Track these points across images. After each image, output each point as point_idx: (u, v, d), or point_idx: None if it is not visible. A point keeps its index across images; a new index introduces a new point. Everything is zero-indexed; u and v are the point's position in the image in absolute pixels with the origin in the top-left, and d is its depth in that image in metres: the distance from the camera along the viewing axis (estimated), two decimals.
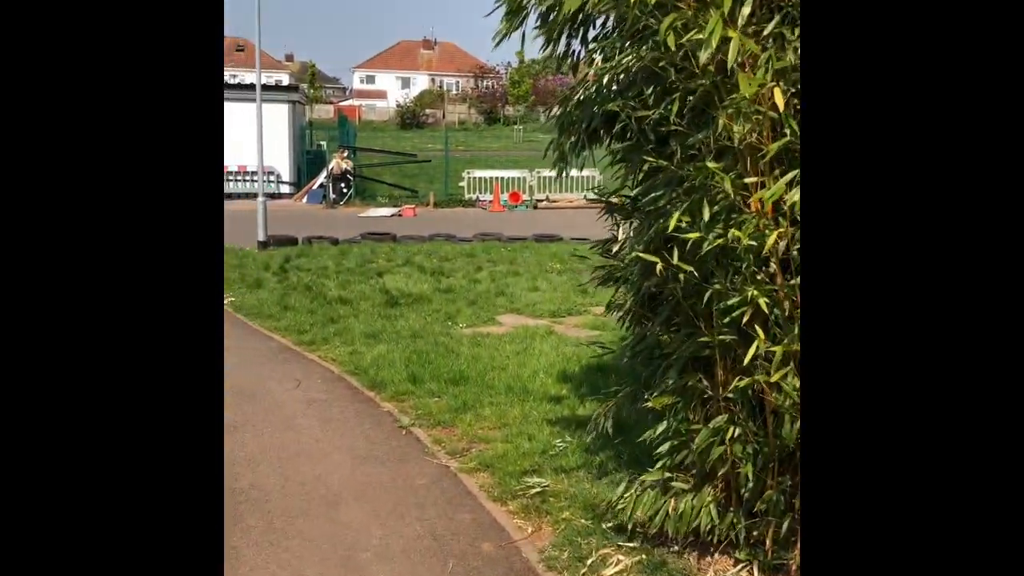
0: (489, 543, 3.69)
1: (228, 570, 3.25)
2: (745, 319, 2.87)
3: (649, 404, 3.45)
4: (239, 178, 19.88)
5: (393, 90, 61.66)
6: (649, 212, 3.10)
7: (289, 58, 70.27)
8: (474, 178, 20.10)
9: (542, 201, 20.16)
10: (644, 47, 2.85)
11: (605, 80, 3.41)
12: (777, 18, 2.76)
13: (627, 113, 2.93)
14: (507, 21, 3.45)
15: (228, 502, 3.99)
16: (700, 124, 2.89)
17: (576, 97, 3.53)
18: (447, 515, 3.94)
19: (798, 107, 2.66)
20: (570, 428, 4.94)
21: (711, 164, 2.80)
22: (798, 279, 2.77)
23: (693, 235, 2.80)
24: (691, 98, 2.85)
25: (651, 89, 2.88)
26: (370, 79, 66.29)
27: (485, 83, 53.29)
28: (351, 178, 19.77)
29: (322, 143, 23.55)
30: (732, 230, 2.77)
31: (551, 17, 3.29)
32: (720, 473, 3.38)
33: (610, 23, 3.64)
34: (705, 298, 3.00)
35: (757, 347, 2.81)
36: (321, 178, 19.89)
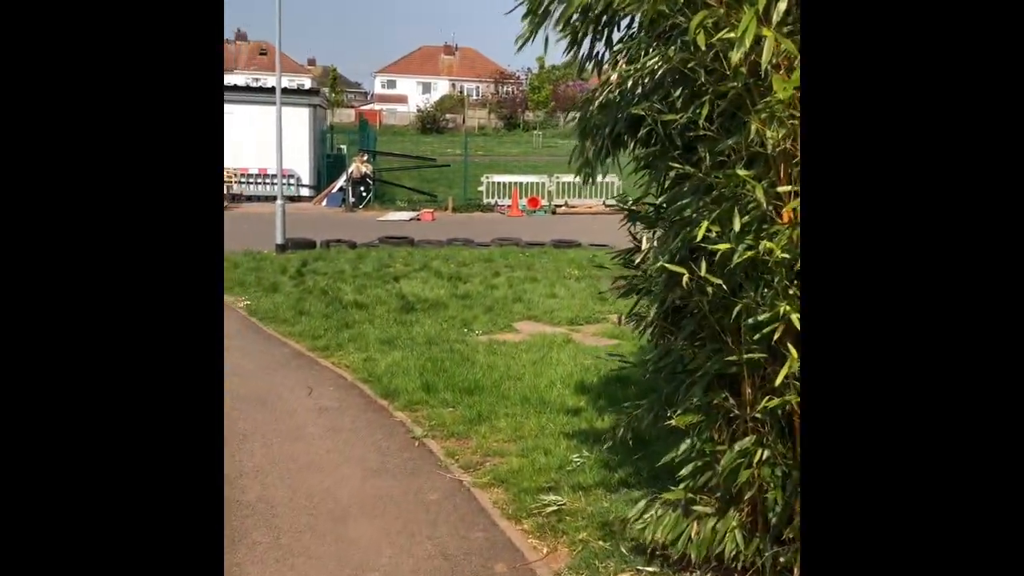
0: (503, 564, 3.54)
1: None
2: (776, 336, 2.70)
3: (672, 423, 3.28)
4: (259, 181, 19.92)
5: (414, 95, 61.86)
6: (675, 221, 2.95)
7: (311, 62, 70.73)
8: (493, 183, 20.00)
9: (561, 206, 20.00)
10: (672, 47, 2.70)
11: (629, 83, 3.27)
12: None
13: (653, 117, 2.77)
14: (530, 24, 3.31)
15: (234, 516, 3.88)
16: (730, 129, 2.73)
17: (598, 100, 3.38)
18: (459, 533, 3.80)
19: None
20: (588, 442, 4.78)
21: (742, 171, 2.65)
22: None
23: (723, 246, 2.64)
24: (721, 101, 2.69)
25: (679, 92, 2.73)
26: (391, 84, 66.56)
27: (505, 88, 53.29)
28: (370, 182, 19.74)
29: (342, 147, 23.56)
30: (764, 242, 2.61)
31: (573, 18, 3.14)
32: (747, 497, 3.22)
33: (635, 24, 3.50)
34: (734, 313, 2.84)
35: (790, 366, 2.64)
36: (341, 181, 19.87)
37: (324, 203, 19.79)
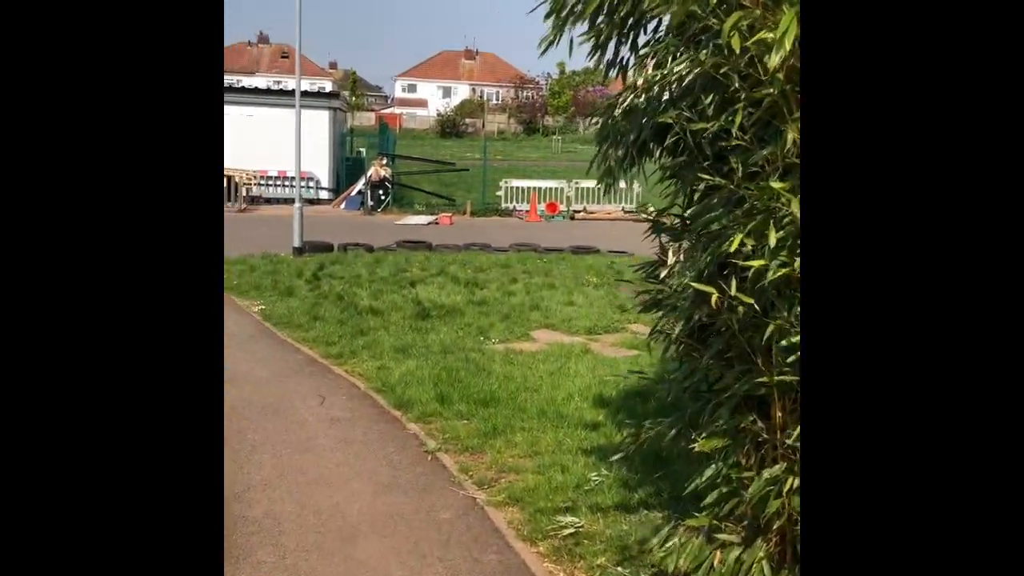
0: None
1: None
2: None
3: (696, 448, 3.12)
4: (278, 183, 19.92)
5: (434, 99, 61.98)
6: (703, 235, 2.78)
7: (333, 66, 71.10)
8: (511, 188, 19.88)
9: (579, 212, 19.85)
10: (703, 51, 2.54)
11: (656, 89, 3.11)
12: None
13: (681, 125, 2.61)
14: (554, 25, 3.17)
15: (240, 532, 3.75)
16: (765, 138, 2.57)
17: (622, 106, 3.23)
18: (472, 555, 3.65)
19: None
20: (606, 459, 4.61)
21: (776, 184, 2.48)
22: None
23: (756, 263, 2.47)
24: (755, 109, 2.53)
25: (710, 99, 2.56)
26: (411, 88, 66.74)
27: (525, 93, 53.21)
28: (389, 185, 19.68)
29: (362, 150, 23.54)
30: (799, 259, 2.44)
31: (599, 20, 3.00)
32: (775, 527, 3.04)
33: (662, 28, 3.35)
34: (766, 333, 2.66)
35: None
36: (360, 185, 19.84)
37: (343, 206, 19.77)
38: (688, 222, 3.30)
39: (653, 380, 5.64)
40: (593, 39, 3.25)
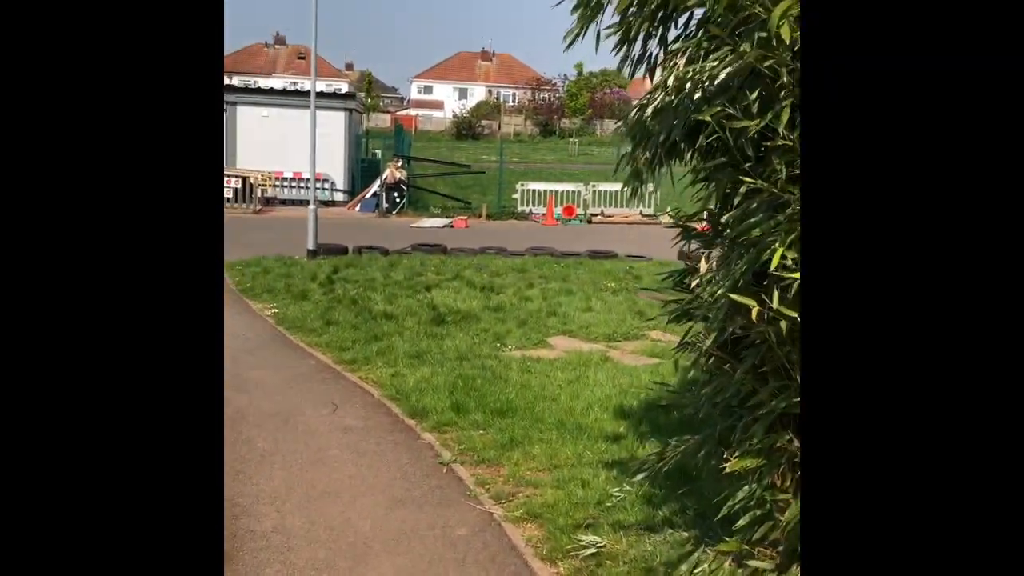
0: None
1: None
2: None
3: (728, 468, 2.93)
4: (294, 184, 19.87)
5: (450, 101, 61.96)
6: (741, 242, 2.60)
7: (349, 67, 71.27)
8: (528, 190, 19.70)
9: (597, 215, 19.64)
10: (745, 44, 2.36)
11: (688, 86, 2.93)
12: None
13: (721, 123, 2.43)
14: (580, 18, 3.00)
15: (248, 548, 3.60)
16: None
17: (652, 105, 3.05)
18: (489, 575, 3.47)
19: None
20: (628, 474, 4.42)
21: None
22: None
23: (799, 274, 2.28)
24: None
25: (754, 95, 2.38)
26: (427, 89, 66.77)
27: (542, 95, 53.04)
28: (404, 187, 19.57)
29: (377, 152, 23.45)
30: None
31: (630, 11, 2.82)
32: None
33: (693, 22, 3.17)
34: None
35: None
36: (375, 187, 19.73)
37: (358, 208, 19.68)
38: (721, 228, 3.12)
39: (676, 391, 5.44)
40: (621, 33, 3.09)
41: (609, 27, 3.13)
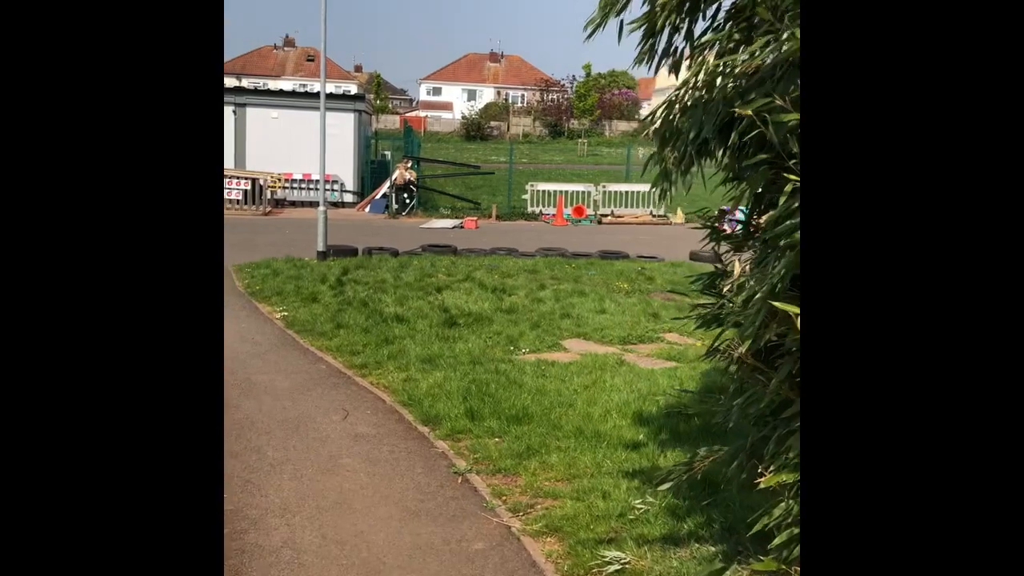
0: None
1: None
2: None
3: (762, 483, 2.77)
4: (303, 185, 19.79)
5: (459, 102, 61.85)
6: (779, 245, 2.44)
7: (358, 69, 71.29)
8: (538, 191, 19.54)
9: (607, 216, 19.48)
10: (786, 32, 2.20)
11: (719, 80, 2.78)
12: None
13: (763, 117, 2.27)
14: (602, 8, 2.85)
15: (256, 564, 3.46)
16: None
17: (682, 101, 2.90)
18: None
19: None
20: (651, 484, 4.27)
21: None
22: None
23: None
24: None
25: (793, 88, 2.22)
26: (436, 91, 66.67)
27: (550, 96, 52.87)
28: (414, 189, 19.45)
29: (386, 153, 23.34)
30: None
31: (658, 1, 2.67)
32: None
33: (721, 14, 3.02)
34: None
35: None
36: (384, 188, 19.62)
37: (367, 209, 19.57)
38: (754, 229, 2.96)
39: (696, 396, 5.28)
40: (647, 26, 2.94)
41: (633, 21, 2.98)
